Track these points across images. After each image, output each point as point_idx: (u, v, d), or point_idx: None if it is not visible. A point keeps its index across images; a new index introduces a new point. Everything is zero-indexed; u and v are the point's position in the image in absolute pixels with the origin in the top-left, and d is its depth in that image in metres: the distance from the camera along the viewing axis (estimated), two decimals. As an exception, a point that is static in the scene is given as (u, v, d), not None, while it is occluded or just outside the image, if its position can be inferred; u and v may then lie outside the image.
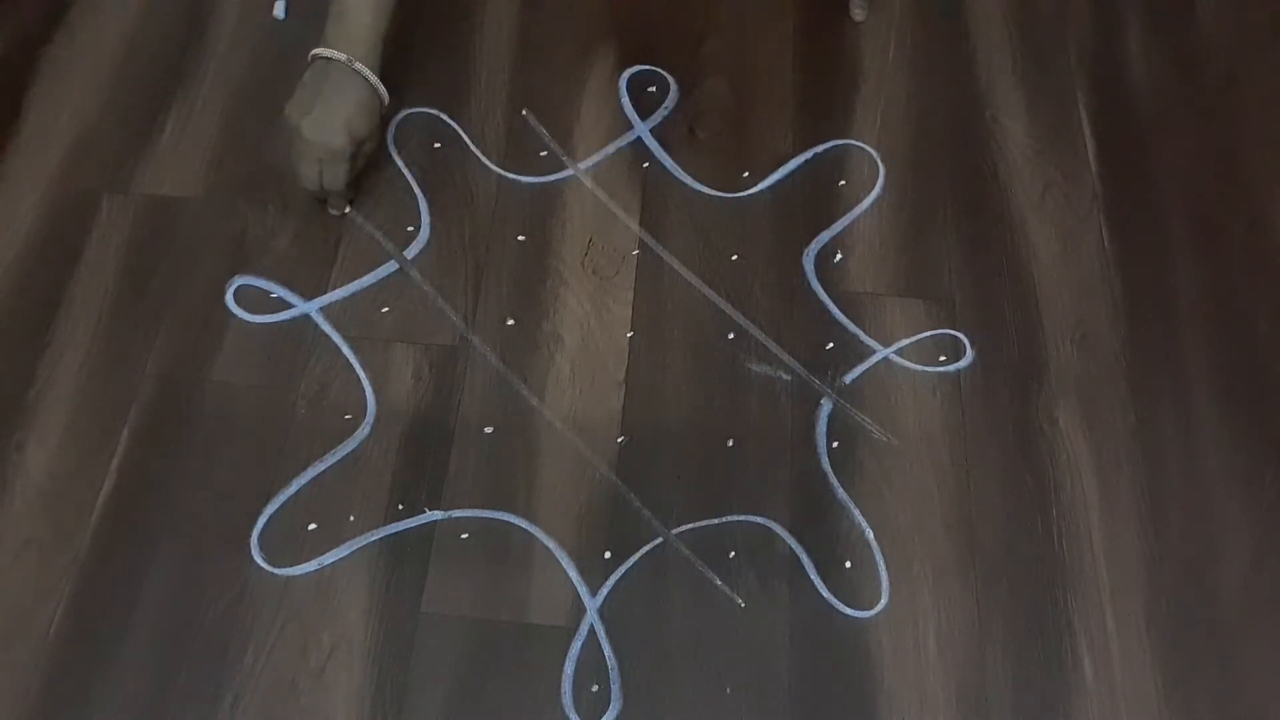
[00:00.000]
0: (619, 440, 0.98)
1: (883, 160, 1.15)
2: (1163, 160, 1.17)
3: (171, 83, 1.18)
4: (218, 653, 0.87)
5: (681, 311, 1.06)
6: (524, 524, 0.93)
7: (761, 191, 1.13)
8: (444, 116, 1.17)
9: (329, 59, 0.99)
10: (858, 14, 1.26)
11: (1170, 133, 1.19)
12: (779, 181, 1.14)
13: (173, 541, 0.92)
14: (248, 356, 1.01)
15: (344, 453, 0.96)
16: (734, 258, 1.09)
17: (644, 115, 1.18)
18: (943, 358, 1.04)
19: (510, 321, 1.04)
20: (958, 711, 0.87)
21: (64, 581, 0.90)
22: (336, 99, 0.99)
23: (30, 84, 1.17)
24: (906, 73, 1.23)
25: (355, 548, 0.92)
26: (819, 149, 1.16)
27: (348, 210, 1.07)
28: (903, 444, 0.99)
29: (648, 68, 1.20)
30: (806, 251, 1.09)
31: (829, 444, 0.98)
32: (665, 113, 1.18)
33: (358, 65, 0.99)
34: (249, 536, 0.92)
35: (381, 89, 1.02)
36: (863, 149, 1.16)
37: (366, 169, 1.08)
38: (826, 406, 1.00)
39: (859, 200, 1.13)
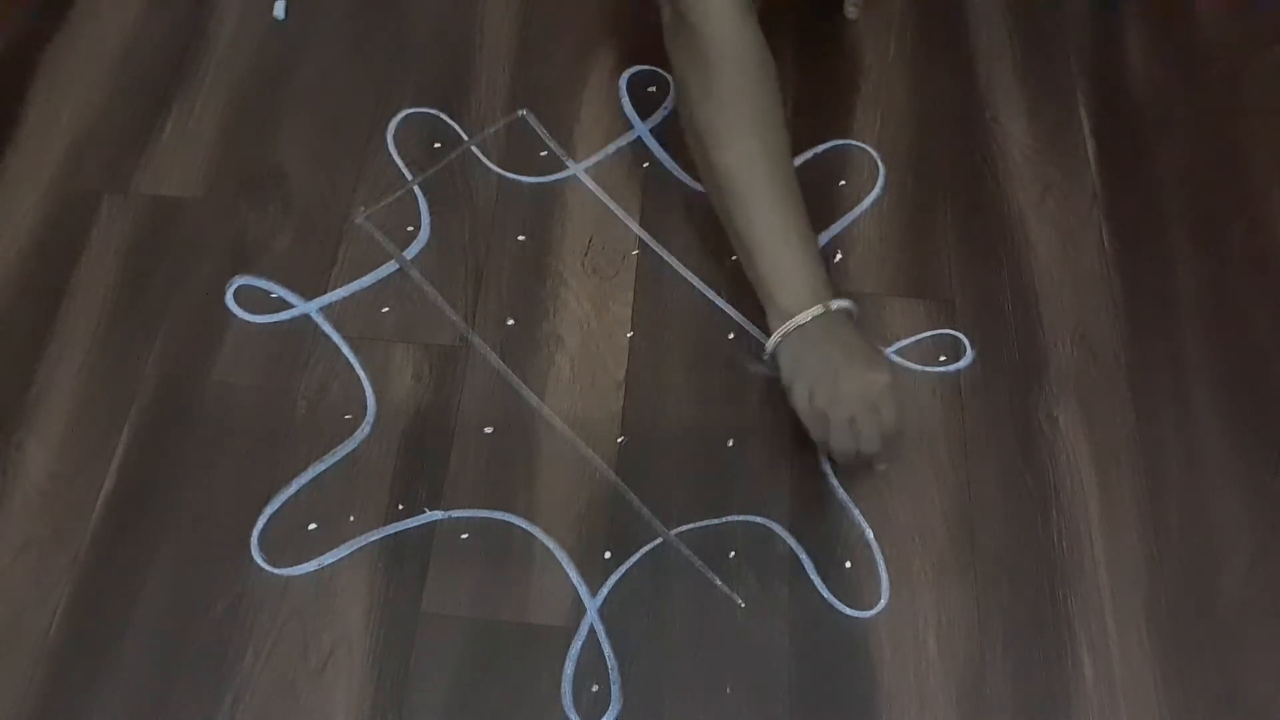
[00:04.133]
0: (619, 440, 0.98)
1: (883, 160, 1.15)
2: (1163, 160, 1.17)
3: (171, 83, 1.18)
4: (218, 653, 0.87)
5: (681, 311, 1.06)
6: (524, 524, 0.93)
7: (761, 191, 1.13)
8: (444, 116, 1.17)
9: (804, 324, 0.88)
10: (851, 12, 1.26)
11: (1170, 133, 1.19)
12: (779, 181, 1.14)
13: (173, 541, 0.92)
14: (248, 356, 1.01)
15: (344, 453, 0.96)
16: (734, 258, 1.08)
17: (644, 115, 1.18)
18: (943, 358, 1.04)
19: (510, 321, 1.04)
20: (958, 711, 0.87)
21: (64, 581, 0.90)
22: (847, 343, 0.88)
23: (30, 84, 1.18)
24: (906, 73, 1.23)
25: (355, 548, 0.92)
26: (819, 149, 1.16)
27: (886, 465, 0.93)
28: (903, 444, 0.98)
29: (648, 68, 1.20)
30: (806, 251, 1.09)
31: (829, 444, 0.98)
32: (665, 113, 1.18)
33: (832, 305, 0.88)
34: (249, 536, 0.92)
35: (854, 307, 0.90)
36: (863, 149, 1.16)
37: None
38: (826, 406, 1.00)
39: (859, 200, 1.13)
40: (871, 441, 0.88)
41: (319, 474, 0.95)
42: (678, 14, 0.89)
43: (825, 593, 0.91)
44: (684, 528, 0.94)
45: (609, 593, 0.91)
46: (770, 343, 0.90)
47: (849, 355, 0.87)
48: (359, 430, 0.97)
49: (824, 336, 0.87)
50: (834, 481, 0.96)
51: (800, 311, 0.87)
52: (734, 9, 0.88)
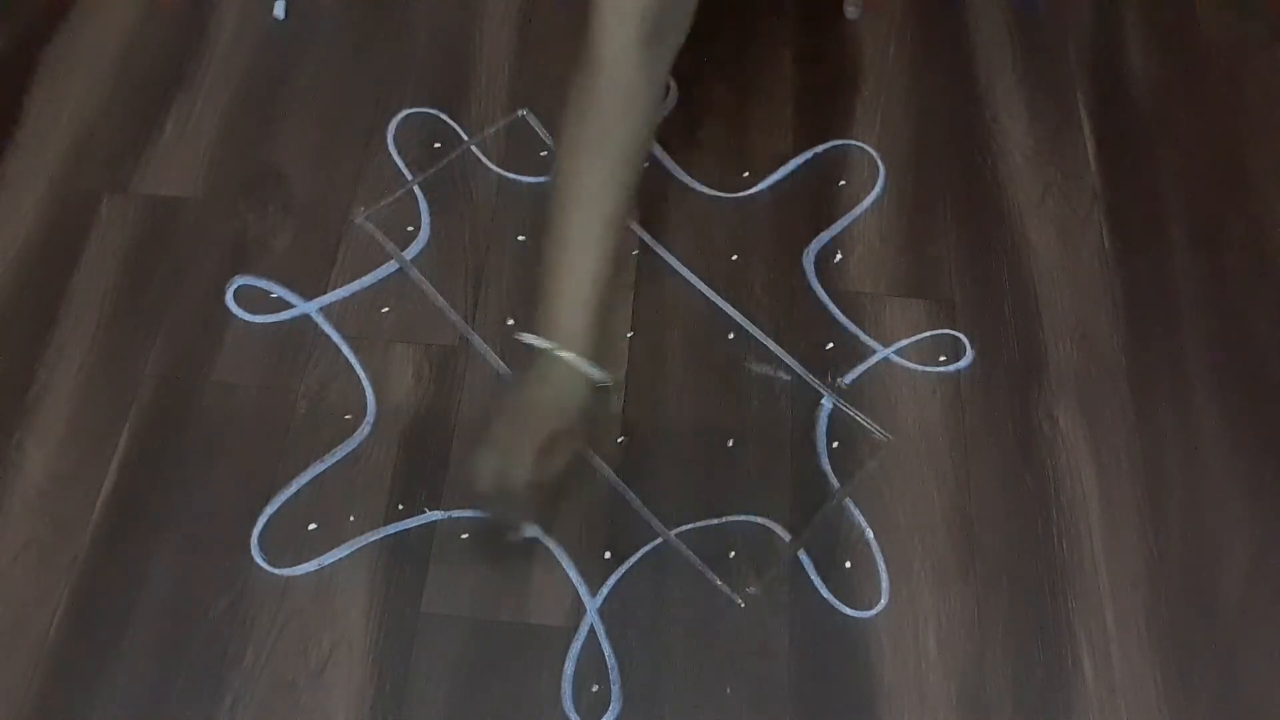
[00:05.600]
0: (619, 440, 0.98)
1: (883, 160, 1.15)
2: (1163, 160, 1.17)
3: (171, 83, 1.18)
4: (218, 653, 0.87)
5: (681, 311, 1.06)
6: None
7: (761, 191, 1.13)
8: (444, 116, 1.17)
9: (532, 346, 0.85)
10: (851, 12, 1.26)
11: (1170, 133, 1.19)
12: (779, 181, 1.14)
13: (173, 541, 0.92)
14: (248, 356, 1.01)
15: (344, 453, 0.96)
16: (734, 258, 1.09)
17: (644, 115, 1.17)
18: (943, 358, 1.04)
19: (510, 321, 1.04)
20: (958, 711, 0.87)
21: (64, 581, 0.90)
22: (539, 389, 0.85)
23: (30, 84, 1.18)
24: (906, 73, 1.23)
25: (355, 548, 0.92)
26: (819, 149, 1.16)
27: (528, 536, 0.91)
28: (903, 444, 0.99)
29: (648, 68, 1.20)
30: (806, 251, 1.09)
31: (829, 444, 0.98)
32: (665, 113, 1.18)
33: (565, 353, 0.85)
34: (249, 536, 0.92)
35: (598, 374, 0.86)
36: (863, 149, 1.16)
37: (560, 467, 0.86)
38: (826, 406, 1.00)
39: (859, 200, 1.13)
40: (480, 480, 0.84)
41: (319, 474, 0.95)
42: (587, 34, 0.89)
43: (825, 593, 0.91)
44: (684, 528, 0.94)
45: (609, 593, 0.91)
46: (521, 341, 0.87)
47: (533, 398, 0.85)
48: (359, 430, 0.97)
49: (536, 370, 0.85)
50: (834, 481, 0.96)
51: (543, 336, 0.85)
52: (628, 41, 0.86)
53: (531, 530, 0.91)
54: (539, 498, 0.86)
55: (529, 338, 0.85)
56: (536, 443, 0.83)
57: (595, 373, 0.85)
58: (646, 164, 0.93)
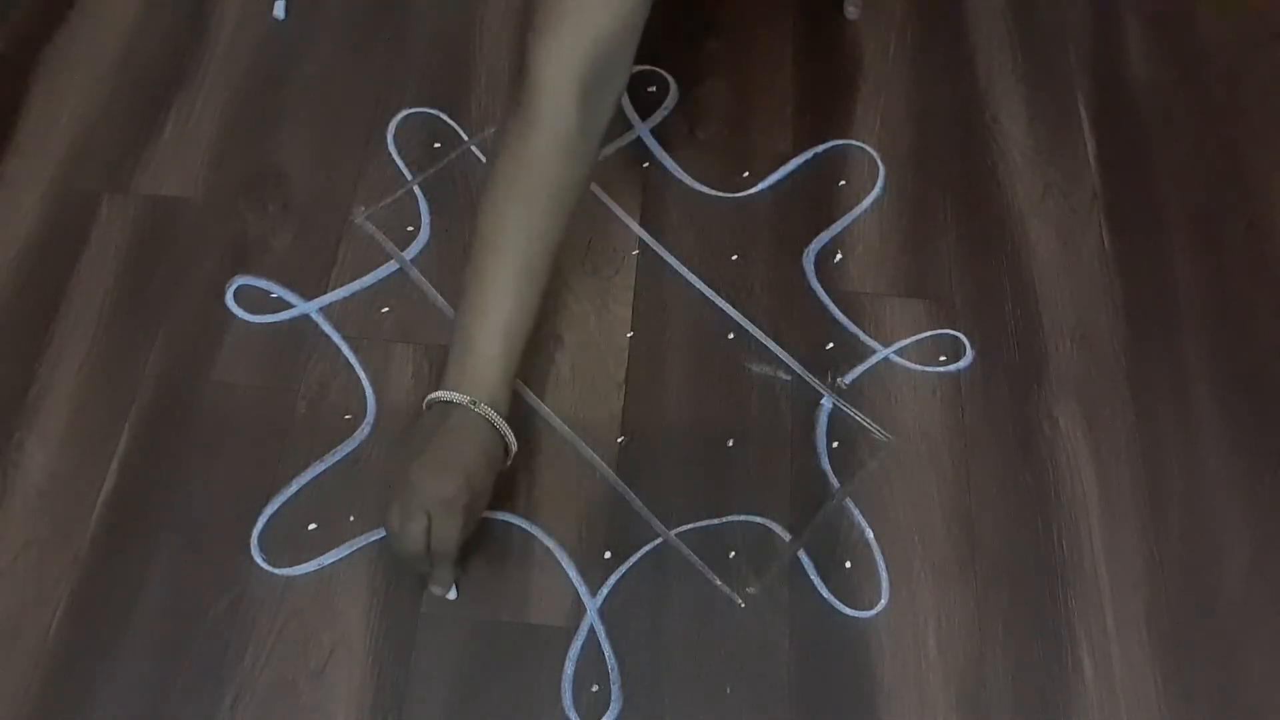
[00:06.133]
0: (619, 440, 0.98)
1: (883, 160, 1.16)
2: (1163, 160, 1.17)
3: (171, 83, 1.18)
4: (218, 653, 0.87)
5: (681, 311, 1.06)
6: (524, 524, 0.93)
7: (761, 191, 1.13)
8: (444, 116, 1.17)
9: (449, 402, 0.83)
10: (851, 12, 1.26)
11: (1170, 133, 1.19)
12: (779, 181, 1.14)
13: (173, 541, 0.92)
14: (248, 356, 1.01)
15: (344, 453, 0.96)
16: (734, 258, 1.09)
17: (644, 115, 1.18)
18: (943, 358, 1.04)
19: (510, 321, 1.04)
20: (958, 711, 0.87)
21: (64, 581, 0.90)
22: (456, 442, 0.82)
23: (30, 84, 1.18)
24: (906, 73, 1.23)
25: (355, 548, 0.92)
26: (819, 149, 1.16)
27: (452, 595, 0.88)
28: (903, 444, 0.99)
29: (648, 68, 1.20)
30: (806, 251, 1.09)
31: (829, 444, 0.98)
32: (665, 113, 1.18)
33: (482, 408, 0.83)
34: (249, 536, 0.92)
35: (510, 437, 0.85)
36: (863, 149, 1.16)
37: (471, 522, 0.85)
38: (826, 406, 1.00)
39: (859, 200, 1.13)
40: (412, 540, 0.81)
41: (319, 474, 0.95)
42: (521, 71, 0.86)
43: (825, 593, 0.91)
44: (684, 528, 0.94)
45: (609, 593, 0.91)
46: (426, 399, 0.85)
47: (442, 451, 0.81)
48: (359, 430, 0.97)
49: (447, 423, 0.82)
50: (834, 481, 0.96)
51: (454, 389, 0.83)
52: (564, 85, 0.82)
53: (452, 591, 0.89)
54: (458, 565, 0.86)
55: (444, 395, 0.83)
56: (459, 497, 0.81)
57: (508, 436, 0.84)
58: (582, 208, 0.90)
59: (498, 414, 0.83)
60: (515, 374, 0.86)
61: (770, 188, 1.13)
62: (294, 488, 0.94)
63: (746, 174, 1.14)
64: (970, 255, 1.10)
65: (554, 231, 0.86)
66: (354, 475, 0.95)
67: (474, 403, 0.82)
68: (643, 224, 1.10)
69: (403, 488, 0.82)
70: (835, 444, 0.98)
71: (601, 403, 1.00)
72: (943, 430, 0.99)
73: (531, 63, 0.84)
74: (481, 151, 1.14)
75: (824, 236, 1.10)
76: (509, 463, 0.87)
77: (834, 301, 1.06)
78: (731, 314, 1.05)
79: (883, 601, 0.91)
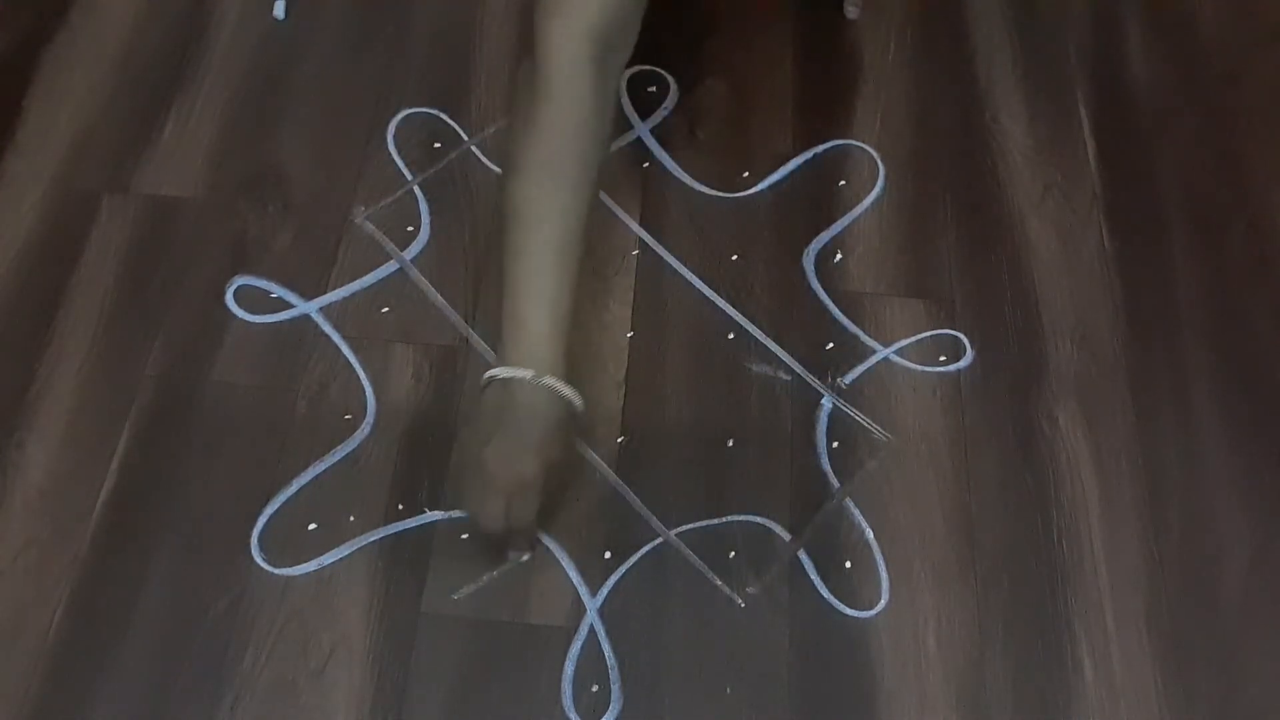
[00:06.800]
0: (619, 440, 0.98)
1: (883, 160, 1.16)
2: (1163, 160, 1.17)
3: (171, 83, 1.18)
4: (218, 653, 0.87)
5: (681, 311, 1.06)
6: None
7: (761, 191, 1.13)
8: (444, 116, 1.17)
9: (508, 379, 0.83)
10: (851, 11, 1.26)
11: (1170, 133, 1.19)
12: (779, 181, 1.14)
13: (173, 541, 0.92)
14: (248, 356, 1.01)
15: (344, 453, 0.96)
16: (734, 258, 1.09)
17: (644, 115, 1.18)
18: (943, 358, 1.04)
19: (510, 321, 1.04)
20: (958, 711, 0.87)
21: (64, 581, 0.90)
22: (525, 420, 0.82)
23: (30, 84, 1.18)
24: (906, 73, 1.23)
25: (355, 548, 0.92)
26: (819, 149, 1.16)
27: (526, 557, 0.91)
28: (903, 444, 0.99)
29: (647, 68, 1.20)
30: (806, 251, 1.09)
31: (829, 444, 0.98)
32: (665, 113, 1.18)
33: (544, 380, 0.83)
34: (249, 536, 0.92)
35: (576, 399, 0.85)
36: (863, 149, 1.16)
37: (556, 489, 0.88)
38: (826, 406, 1.00)
39: (859, 200, 1.13)
40: (492, 520, 0.83)
41: (319, 474, 0.95)
42: (528, 46, 0.87)
43: (825, 593, 0.91)
44: (684, 528, 0.94)
45: (609, 593, 0.91)
46: (482, 380, 0.85)
47: (516, 432, 0.82)
48: (359, 430, 0.97)
49: (513, 401, 0.83)
50: (834, 481, 0.96)
51: (514, 365, 0.83)
52: (577, 58, 0.83)
53: (529, 553, 0.91)
54: (539, 522, 0.87)
55: (504, 372, 0.83)
56: (538, 475, 0.82)
57: (575, 398, 0.84)
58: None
59: (558, 381, 0.84)
60: (566, 344, 0.86)
61: (770, 188, 1.13)
62: (294, 488, 0.94)
63: (746, 174, 1.14)
64: (970, 255, 1.10)
65: (585, 203, 0.87)
66: (354, 475, 0.95)
67: (535, 376, 0.83)
68: (643, 224, 1.10)
69: (478, 473, 0.82)
70: (835, 444, 0.98)
71: (601, 403, 1.00)
72: (943, 430, 0.99)
73: (542, 39, 0.84)
74: (481, 151, 1.14)
75: (824, 236, 1.10)
76: (581, 423, 0.87)
77: (834, 301, 1.06)
78: (731, 314, 1.05)
79: (883, 601, 0.91)
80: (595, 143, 0.87)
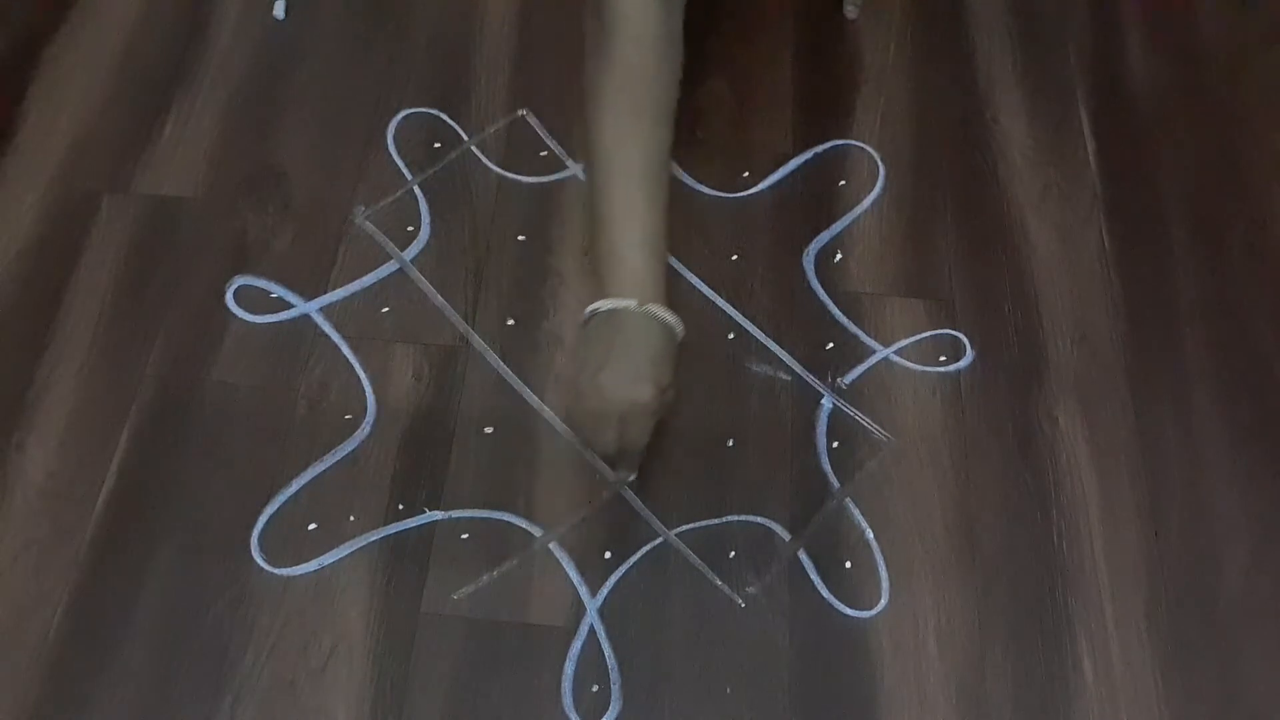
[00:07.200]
0: (619, 440, 0.98)
1: (883, 160, 1.16)
2: (1163, 160, 1.17)
3: (171, 83, 1.18)
4: (218, 653, 0.87)
5: (681, 311, 1.04)
6: (524, 524, 0.93)
7: (761, 191, 1.13)
8: (444, 116, 1.17)
9: (613, 309, 0.85)
10: (850, 11, 1.26)
11: (1170, 133, 1.19)
12: (779, 181, 1.14)
13: (173, 541, 0.92)
14: (248, 356, 1.01)
15: (344, 453, 0.96)
16: (734, 258, 1.09)
17: (644, 115, 1.17)
18: (943, 358, 1.04)
19: (510, 321, 1.04)
20: (958, 711, 0.87)
21: (64, 581, 0.90)
22: (636, 347, 0.84)
23: (30, 84, 1.18)
24: (906, 73, 1.23)
25: (355, 548, 0.92)
26: (819, 149, 1.16)
27: (633, 477, 0.93)
28: (903, 444, 0.99)
29: (648, 68, 1.20)
30: (806, 251, 1.09)
31: (829, 444, 0.98)
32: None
33: (650, 308, 0.85)
34: (249, 536, 0.92)
35: (679, 326, 0.87)
36: (863, 149, 1.16)
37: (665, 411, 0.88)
38: (826, 406, 1.00)
39: (859, 200, 1.13)
40: (606, 445, 0.86)
41: (319, 474, 0.95)
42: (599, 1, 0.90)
43: (825, 593, 0.91)
44: (684, 528, 0.94)
45: (609, 593, 0.91)
46: (584, 314, 0.87)
47: (627, 358, 0.84)
48: (359, 430, 0.97)
49: (621, 330, 0.85)
50: (834, 481, 0.96)
51: (617, 297, 0.85)
52: (652, 2, 0.87)
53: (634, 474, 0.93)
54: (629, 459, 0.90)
55: (608, 303, 0.85)
56: (654, 399, 0.83)
57: (677, 324, 0.86)
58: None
59: (660, 307, 0.85)
60: (663, 269, 0.88)
61: (770, 188, 1.13)
62: (294, 488, 0.94)
63: (747, 174, 1.14)
64: (970, 255, 1.10)
65: (665, 132, 0.89)
66: (354, 475, 0.95)
67: (641, 305, 0.85)
68: (643, 224, 1.10)
69: (595, 398, 0.84)
70: (835, 444, 0.98)
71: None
72: (943, 430, 0.99)
73: None
74: (481, 151, 1.14)
75: (824, 236, 1.10)
76: (679, 345, 0.89)
77: (834, 301, 1.06)
78: (731, 314, 1.05)
79: (883, 601, 0.91)
80: (669, 73, 0.89)
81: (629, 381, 0.83)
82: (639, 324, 0.84)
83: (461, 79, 1.20)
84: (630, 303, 0.84)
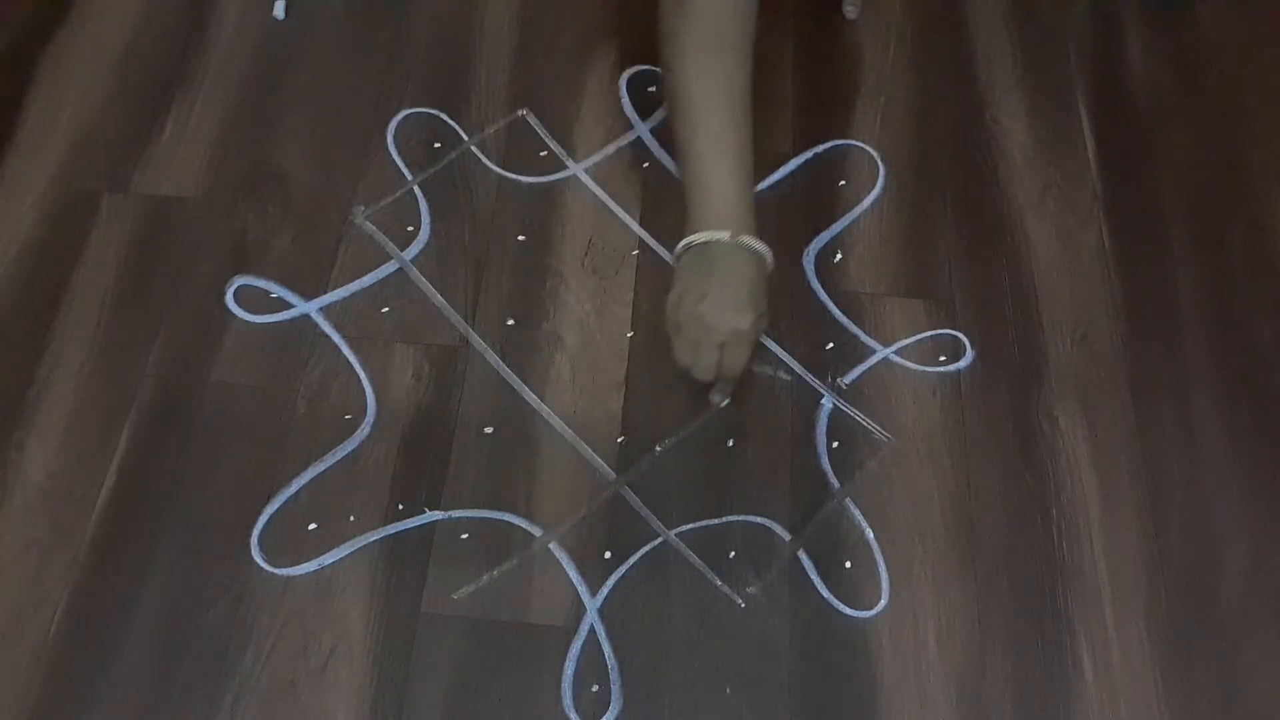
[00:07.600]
0: (619, 440, 0.98)
1: (883, 160, 1.16)
2: (1163, 160, 1.17)
3: (171, 83, 1.18)
4: (218, 653, 0.87)
5: (681, 311, 1.05)
6: (524, 524, 0.93)
7: (761, 191, 1.13)
8: (444, 116, 1.17)
9: (708, 241, 0.90)
10: (850, 11, 1.26)
11: (1170, 133, 1.19)
12: (779, 181, 1.14)
13: (173, 541, 0.92)
14: (248, 356, 1.01)
15: (344, 453, 0.96)
16: (734, 258, 1.09)
17: (644, 115, 1.18)
18: (943, 358, 1.04)
19: (510, 321, 1.04)
20: (958, 711, 0.87)
21: (64, 581, 0.90)
22: (733, 275, 0.90)
23: (30, 84, 1.18)
24: (906, 72, 1.23)
25: (355, 548, 0.92)
26: (819, 149, 1.16)
27: (726, 402, 0.97)
28: (903, 444, 0.99)
29: (648, 68, 1.20)
30: (806, 251, 1.09)
31: (829, 444, 0.98)
32: (665, 112, 1.18)
33: (742, 239, 0.90)
34: (249, 536, 0.92)
35: (769, 256, 0.92)
36: (863, 149, 1.16)
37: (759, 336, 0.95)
38: (826, 406, 1.00)
39: (859, 200, 1.13)
40: (706, 371, 0.92)
41: (319, 474, 0.95)
42: None
43: (825, 593, 0.91)
44: (684, 528, 0.94)
45: (609, 593, 0.91)
46: (678, 248, 0.92)
47: (726, 287, 0.89)
48: (359, 430, 0.97)
49: (717, 260, 0.89)
50: (834, 481, 0.96)
51: (709, 229, 0.89)
52: None
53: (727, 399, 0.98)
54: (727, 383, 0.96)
55: (702, 236, 0.90)
56: (753, 325, 0.89)
57: (768, 253, 0.91)
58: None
59: (752, 238, 0.90)
60: (752, 200, 0.92)
61: (770, 187, 1.13)
62: (294, 488, 0.94)
63: (746, 174, 1.14)
64: (970, 255, 1.10)
65: (746, 69, 0.93)
66: (354, 475, 0.95)
67: (734, 236, 0.89)
68: (643, 224, 1.10)
69: (697, 328, 0.90)
70: (835, 444, 0.98)
71: (601, 403, 1.00)
72: (943, 430, 0.99)
73: None
74: (481, 151, 1.14)
75: (824, 236, 1.10)
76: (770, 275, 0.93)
77: (834, 301, 1.06)
78: (731, 314, 1.05)
79: (883, 601, 0.91)
80: (745, 8, 0.92)
81: (729, 311, 0.88)
82: (733, 254, 0.89)
83: (461, 79, 1.20)
84: (724, 234, 0.89)
